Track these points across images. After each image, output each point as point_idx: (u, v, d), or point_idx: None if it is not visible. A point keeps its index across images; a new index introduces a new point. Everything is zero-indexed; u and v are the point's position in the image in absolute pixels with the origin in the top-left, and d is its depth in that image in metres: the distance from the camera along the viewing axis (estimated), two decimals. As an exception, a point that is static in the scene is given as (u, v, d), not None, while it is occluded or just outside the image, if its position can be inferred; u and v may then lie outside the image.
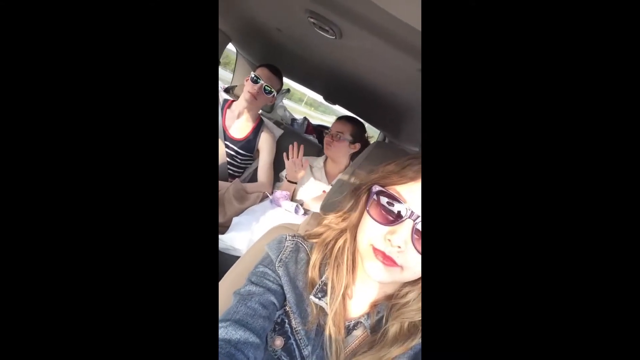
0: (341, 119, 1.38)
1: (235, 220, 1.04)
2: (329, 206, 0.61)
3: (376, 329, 0.44)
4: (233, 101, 1.41)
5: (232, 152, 1.35)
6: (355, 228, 0.46)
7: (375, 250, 0.40)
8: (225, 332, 0.38)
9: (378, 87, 1.20)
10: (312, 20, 0.78)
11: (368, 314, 0.45)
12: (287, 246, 0.50)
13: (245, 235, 0.99)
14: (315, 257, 0.48)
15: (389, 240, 0.39)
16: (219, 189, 1.18)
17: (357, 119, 1.41)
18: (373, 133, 2.12)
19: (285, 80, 1.53)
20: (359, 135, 1.36)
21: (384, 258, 0.39)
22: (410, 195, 0.40)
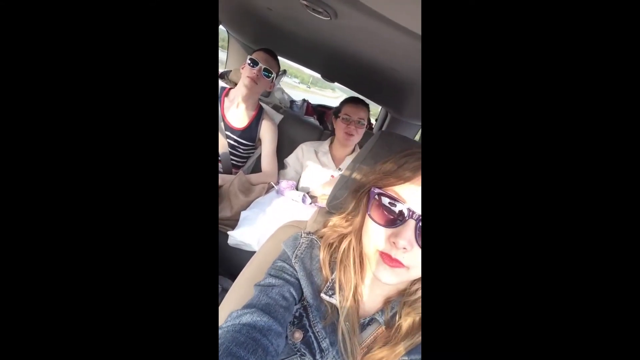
0: (357, 103, 1.33)
1: (243, 214, 1.04)
2: (334, 204, 0.61)
3: (391, 324, 0.45)
4: (230, 89, 1.37)
5: (234, 142, 1.33)
6: (359, 231, 0.47)
7: (381, 254, 0.41)
8: (251, 317, 0.40)
9: (377, 63, 1.15)
10: (304, 2, 0.74)
11: (382, 310, 0.46)
12: (302, 243, 0.51)
13: (254, 229, 0.99)
14: (323, 255, 0.49)
15: (394, 242, 0.39)
16: (223, 182, 1.18)
17: (364, 100, 1.37)
18: (374, 109, 2.07)
19: (281, 60, 1.47)
20: (369, 117, 1.34)
21: (391, 261, 0.40)
22: (409, 195, 0.40)
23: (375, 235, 0.42)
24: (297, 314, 0.46)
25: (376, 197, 0.42)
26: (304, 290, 0.47)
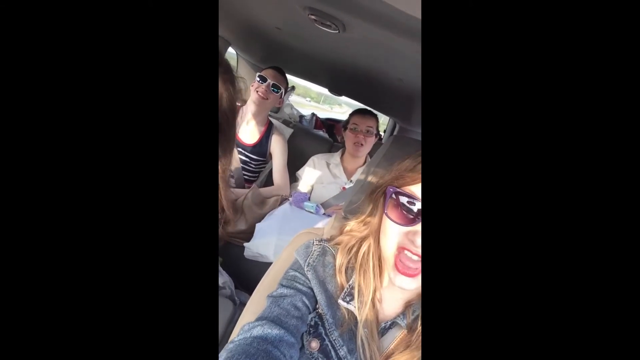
0: (364, 113, 1.35)
1: (258, 226, 1.05)
2: (351, 209, 0.61)
3: (413, 328, 0.44)
4: (241, 107, 1.41)
5: (245, 158, 1.35)
6: (377, 233, 0.47)
7: (398, 263, 0.41)
8: (262, 330, 0.40)
9: (384, 74, 1.17)
10: (313, 17, 0.77)
11: (404, 314, 0.45)
12: (314, 250, 0.50)
13: (269, 240, 0.99)
14: (340, 262, 0.48)
15: (412, 240, 0.39)
16: (237, 197, 1.19)
17: (372, 111, 1.39)
18: (383, 120, 2.09)
19: (289, 77, 1.52)
20: (378, 127, 1.36)
21: (408, 270, 0.40)
22: None
23: (393, 234, 0.42)
24: (312, 323, 0.46)
25: (393, 196, 0.42)
26: (318, 298, 0.46)
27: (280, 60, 1.48)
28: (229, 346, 0.39)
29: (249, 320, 0.43)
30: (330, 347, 0.44)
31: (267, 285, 0.59)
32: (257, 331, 0.40)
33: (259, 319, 0.42)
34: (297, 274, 0.48)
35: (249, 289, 0.60)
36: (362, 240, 0.49)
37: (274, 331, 0.40)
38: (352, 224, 0.51)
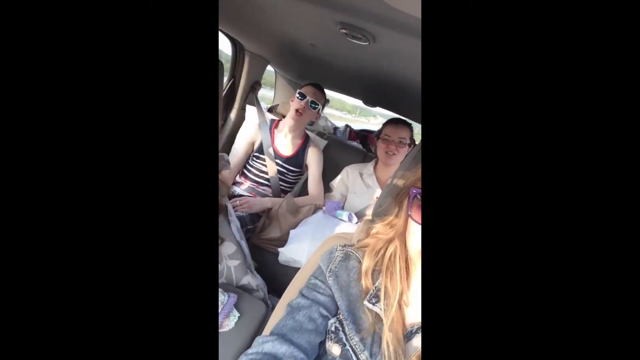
0: (397, 123, 1.34)
1: (292, 233, 1.08)
2: (378, 212, 0.61)
3: None
4: (279, 120, 1.49)
5: (283, 169, 1.41)
6: (403, 235, 0.47)
7: None
8: (272, 346, 0.42)
9: (414, 82, 1.16)
10: (343, 31, 0.80)
11: None
12: (337, 256, 0.51)
13: (303, 246, 1.02)
14: (367, 265, 0.48)
15: None
16: (273, 205, 1.24)
17: (406, 120, 1.38)
18: (418, 130, 2.05)
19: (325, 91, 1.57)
20: (412, 136, 1.34)
21: None
22: None
23: (418, 236, 0.42)
24: (332, 328, 0.46)
25: (418, 196, 0.42)
26: (339, 304, 0.47)
27: (316, 75, 1.54)
28: (242, 359, 0.42)
29: (274, 324, 0.46)
30: (351, 352, 0.44)
31: (294, 289, 0.60)
32: (268, 347, 0.42)
33: (272, 333, 0.44)
34: (317, 281, 0.49)
35: (280, 294, 0.62)
36: (389, 242, 0.49)
37: (283, 347, 0.42)
38: (378, 227, 0.52)
